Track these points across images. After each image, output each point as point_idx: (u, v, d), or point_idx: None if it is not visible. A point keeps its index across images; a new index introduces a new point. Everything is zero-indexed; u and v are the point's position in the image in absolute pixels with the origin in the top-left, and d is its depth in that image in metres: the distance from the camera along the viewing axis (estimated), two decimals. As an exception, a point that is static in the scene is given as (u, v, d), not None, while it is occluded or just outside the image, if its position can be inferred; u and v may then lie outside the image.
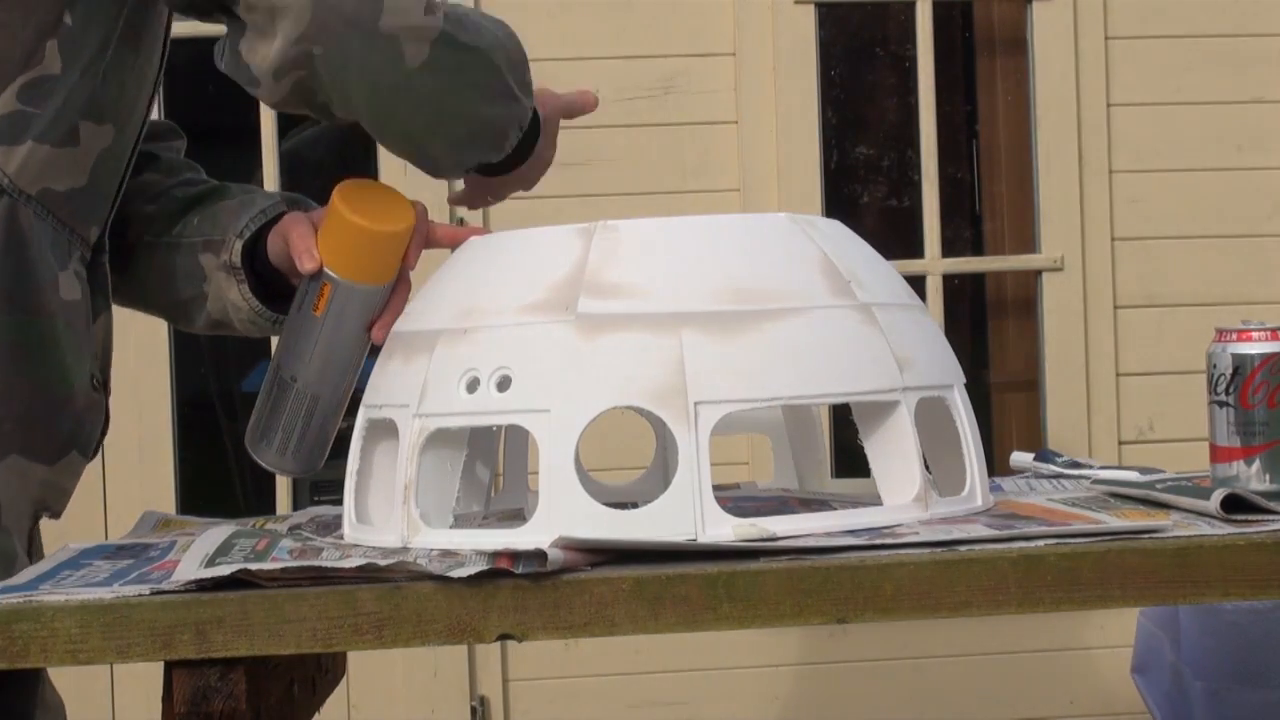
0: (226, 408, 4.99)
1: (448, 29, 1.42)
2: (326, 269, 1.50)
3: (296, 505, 3.33)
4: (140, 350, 3.25)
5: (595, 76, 3.35)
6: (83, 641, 1.18)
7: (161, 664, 1.22)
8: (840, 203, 4.42)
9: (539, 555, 1.20)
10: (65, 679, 1.71)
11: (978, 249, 4.09)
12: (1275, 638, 2.82)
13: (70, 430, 1.51)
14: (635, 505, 1.33)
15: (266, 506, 3.33)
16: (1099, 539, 1.25)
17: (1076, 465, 1.69)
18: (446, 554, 1.28)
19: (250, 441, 1.55)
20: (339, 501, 1.47)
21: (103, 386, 1.55)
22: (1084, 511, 1.39)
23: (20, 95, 1.45)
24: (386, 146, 1.51)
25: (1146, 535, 1.27)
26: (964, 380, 1.47)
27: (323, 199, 1.56)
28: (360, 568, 1.20)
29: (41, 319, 1.47)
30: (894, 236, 4.65)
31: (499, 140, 1.52)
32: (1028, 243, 3.60)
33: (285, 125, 3.34)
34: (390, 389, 1.40)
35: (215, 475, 4.81)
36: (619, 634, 1.20)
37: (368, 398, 1.44)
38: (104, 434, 1.62)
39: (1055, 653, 3.43)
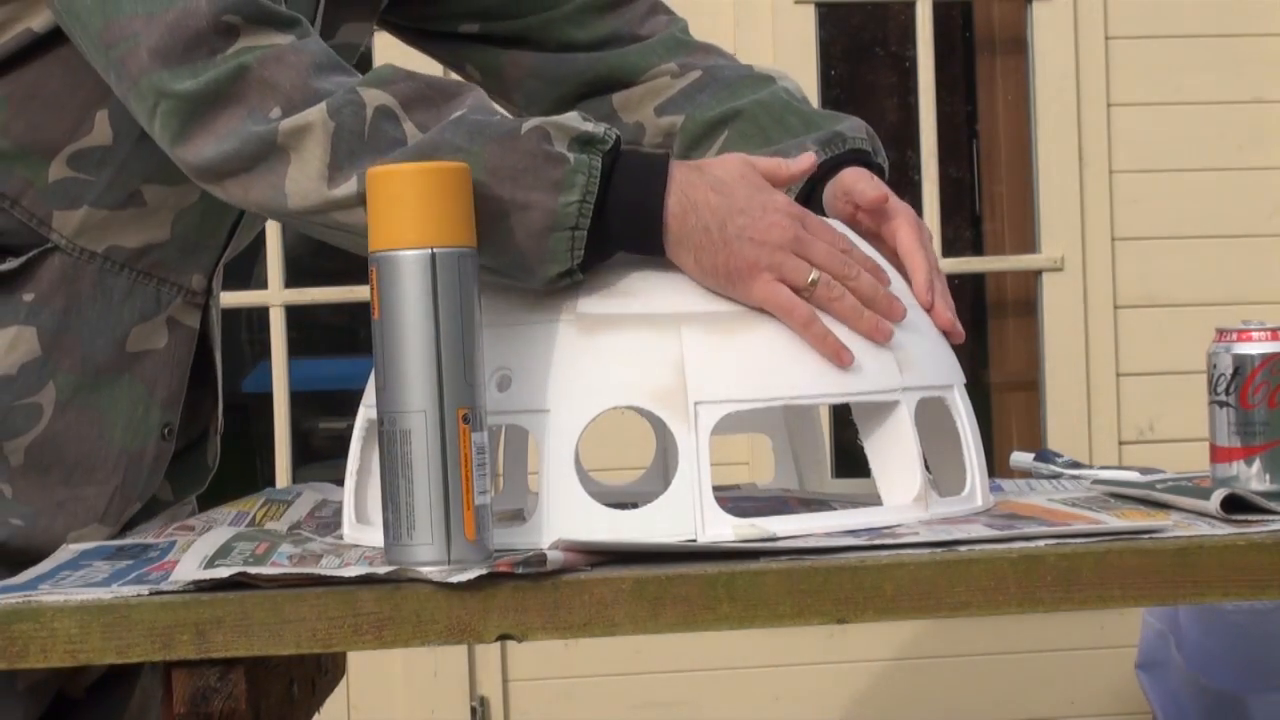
0: (228, 407, 4.98)
1: (362, 188, 1.26)
2: None
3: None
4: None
5: (595, 76, 3.36)
6: (82, 641, 1.18)
7: (161, 664, 1.22)
8: (840, 203, 4.42)
9: (539, 559, 1.19)
10: (65, 679, 1.71)
11: (978, 249, 4.09)
12: (1275, 638, 2.82)
13: (143, 486, 1.53)
14: (635, 505, 1.33)
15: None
16: (1099, 539, 1.25)
17: (1076, 465, 1.69)
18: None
19: None
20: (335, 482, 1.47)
21: (173, 435, 1.55)
22: (1084, 511, 1.39)
23: (71, 162, 1.44)
24: None
25: (1146, 535, 1.26)
26: (964, 380, 1.46)
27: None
28: (358, 577, 1.20)
29: (89, 376, 1.47)
30: (894, 236, 4.65)
31: (524, 259, 1.29)
32: (1028, 243, 3.60)
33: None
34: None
35: (216, 476, 4.80)
36: (619, 634, 1.20)
37: (367, 398, 1.44)
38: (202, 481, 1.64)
39: (1055, 653, 3.43)
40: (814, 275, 1.32)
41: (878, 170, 1.57)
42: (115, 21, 1.32)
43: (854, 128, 1.58)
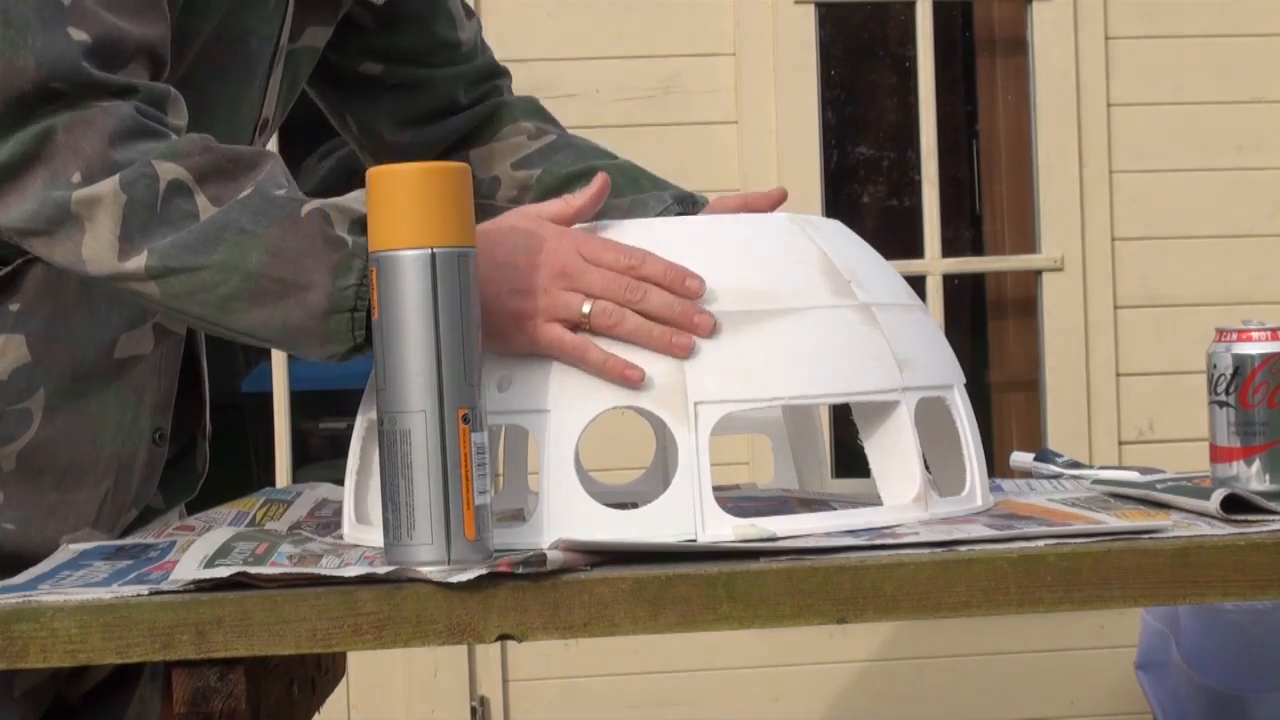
0: (229, 407, 4.99)
1: (154, 263, 1.28)
2: None
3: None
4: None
5: (595, 76, 3.36)
6: (82, 642, 1.18)
7: (161, 664, 1.22)
8: (840, 203, 4.42)
9: (539, 559, 1.19)
10: (65, 679, 1.71)
11: (978, 249, 4.09)
12: (1275, 638, 2.82)
13: (135, 492, 1.53)
14: (635, 505, 1.33)
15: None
16: (1099, 539, 1.25)
17: (1076, 465, 1.69)
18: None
19: None
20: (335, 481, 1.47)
21: (165, 440, 1.55)
22: (1084, 511, 1.39)
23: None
24: None
25: (1146, 535, 1.26)
26: (964, 380, 1.47)
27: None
28: (358, 577, 1.20)
29: (78, 382, 1.47)
30: (894, 236, 4.65)
31: (308, 337, 1.30)
32: (1028, 243, 3.60)
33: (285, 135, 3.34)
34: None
35: (215, 476, 4.80)
36: (619, 634, 1.20)
37: (367, 398, 1.44)
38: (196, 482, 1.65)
39: (1055, 653, 3.43)
40: (588, 307, 1.30)
41: None
42: None
43: (705, 198, 1.65)
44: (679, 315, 1.31)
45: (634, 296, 1.31)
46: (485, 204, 1.73)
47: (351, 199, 1.30)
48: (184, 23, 1.44)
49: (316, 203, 1.30)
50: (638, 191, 1.65)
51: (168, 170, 1.29)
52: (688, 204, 1.64)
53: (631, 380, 1.29)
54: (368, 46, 1.72)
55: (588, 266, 1.31)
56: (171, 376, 1.54)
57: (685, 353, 1.30)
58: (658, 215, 1.62)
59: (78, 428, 1.49)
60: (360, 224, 1.28)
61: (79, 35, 1.30)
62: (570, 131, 1.81)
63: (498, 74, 1.81)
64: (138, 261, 1.28)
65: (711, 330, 1.31)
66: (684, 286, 1.32)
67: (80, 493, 1.49)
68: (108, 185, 1.28)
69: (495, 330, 1.30)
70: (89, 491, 1.50)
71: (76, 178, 1.29)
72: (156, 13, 1.37)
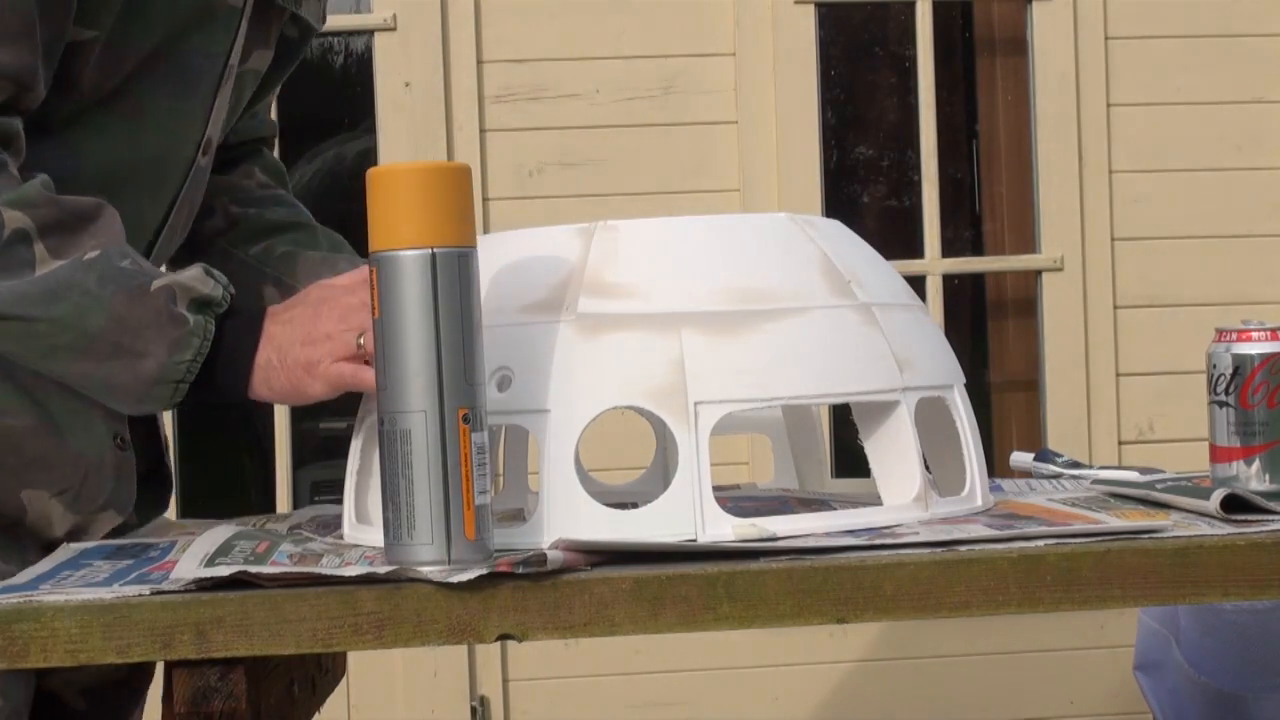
0: (230, 406, 4.99)
1: None
2: None
3: (297, 506, 3.33)
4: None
5: (595, 76, 3.36)
6: (83, 641, 1.18)
7: (161, 664, 1.22)
8: (840, 203, 4.42)
9: (539, 559, 1.19)
10: (65, 679, 1.71)
11: (978, 249, 4.09)
12: (1275, 638, 2.82)
13: (109, 493, 1.53)
14: (635, 505, 1.33)
15: (267, 506, 3.34)
16: (1099, 539, 1.25)
17: (1076, 465, 1.69)
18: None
19: None
20: (338, 501, 1.47)
21: (128, 444, 1.55)
22: (1084, 511, 1.39)
23: None
24: None
25: (1146, 535, 1.27)
26: (964, 380, 1.47)
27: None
28: (359, 577, 1.20)
29: (39, 392, 1.48)
30: (894, 236, 4.65)
31: (125, 395, 1.39)
32: (1028, 243, 3.60)
33: (284, 135, 3.34)
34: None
35: (216, 476, 4.81)
36: (619, 634, 1.20)
37: (367, 398, 1.44)
38: (163, 491, 1.65)
39: (1055, 653, 3.43)
40: (359, 338, 1.37)
41: None
42: None
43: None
44: None
45: None
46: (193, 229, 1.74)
47: (194, 279, 1.37)
48: (121, 36, 1.46)
49: (164, 279, 1.36)
50: (340, 250, 1.71)
51: (14, 219, 1.34)
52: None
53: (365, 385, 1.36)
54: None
55: (362, 304, 1.38)
56: None
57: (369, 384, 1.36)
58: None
59: (44, 426, 1.49)
60: (199, 303, 1.37)
61: None
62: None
63: (270, 133, 1.84)
64: None
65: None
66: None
67: (48, 487, 1.49)
68: None
69: (289, 388, 1.39)
70: (57, 486, 1.50)
71: None
72: (25, 41, 1.39)
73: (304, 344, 1.39)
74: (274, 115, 1.82)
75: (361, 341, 1.37)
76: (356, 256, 1.69)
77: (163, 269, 1.51)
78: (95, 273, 1.35)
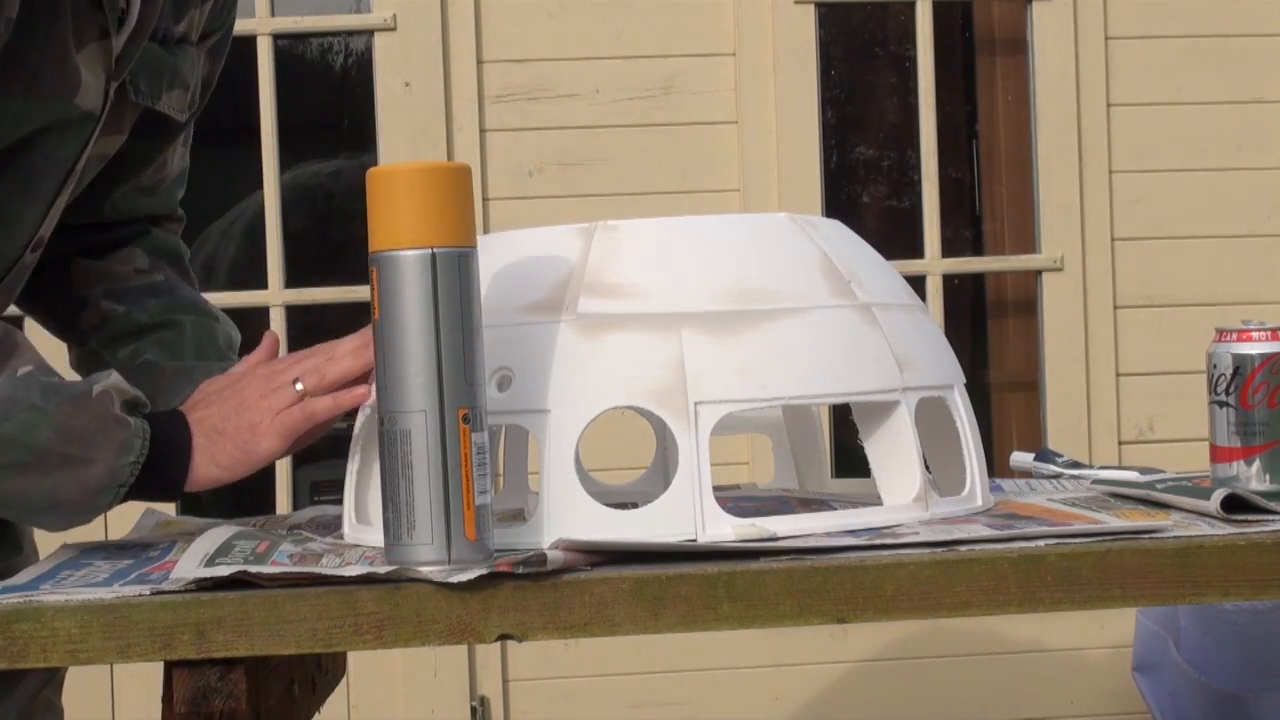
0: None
1: None
2: None
3: (297, 506, 3.33)
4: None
5: (595, 76, 3.36)
6: (83, 641, 1.18)
7: (161, 664, 1.22)
8: (840, 203, 4.42)
9: (539, 559, 1.19)
10: (66, 679, 1.71)
11: (978, 249, 4.09)
12: (1275, 638, 2.82)
13: None
14: (635, 505, 1.33)
15: (267, 507, 3.33)
16: (1099, 539, 1.25)
17: (1076, 465, 1.69)
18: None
19: None
20: (338, 502, 1.47)
21: None
22: (1084, 511, 1.39)
23: None
24: None
25: (1146, 535, 1.26)
26: (964, 380, 1.47)
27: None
28: (359, 577, 1.20)
29: None
30: (894, 236, 4.65)
31: (68, 508, 1.37)
32: (1028, 243, 3.60)
33: (284, 136, 3.35)
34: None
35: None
36: (619, 634, 1.20)
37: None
38: None
39: (1055, 653, 3.43)
40: (298, 384, 1.42)
41: None
42: None
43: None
44: (365, 342, 1.42)
45: (323, 361, 1.43)
46: (60, 314, 1.71)
47: (121, 381, 1.38)
48: None
49: (101, 384, 1.37)
50: (208, 355, 1.68)
51: None
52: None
53: (362, 398, 1.41)
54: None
55: (283, 362, 1.44)
56: None
57: (359, 400, 1.42)
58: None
59: None
60: (130, 404, 1.37)
61: None
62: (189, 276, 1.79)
63: (167, 217, 1.78)
64: None
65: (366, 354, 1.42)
66: (361, 354, 1.43)
67: None
68: None
69: (237, 457, 1.41)
70: None
71: None
72: None
73: (239, 412, 1.41)
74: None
75: (299, 385, 1.41)
76: (218, 364, 1.64)
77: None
78: (35, 387, 1.34)
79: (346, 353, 1.43)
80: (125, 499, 1.40)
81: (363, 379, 1.43)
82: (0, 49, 1.40)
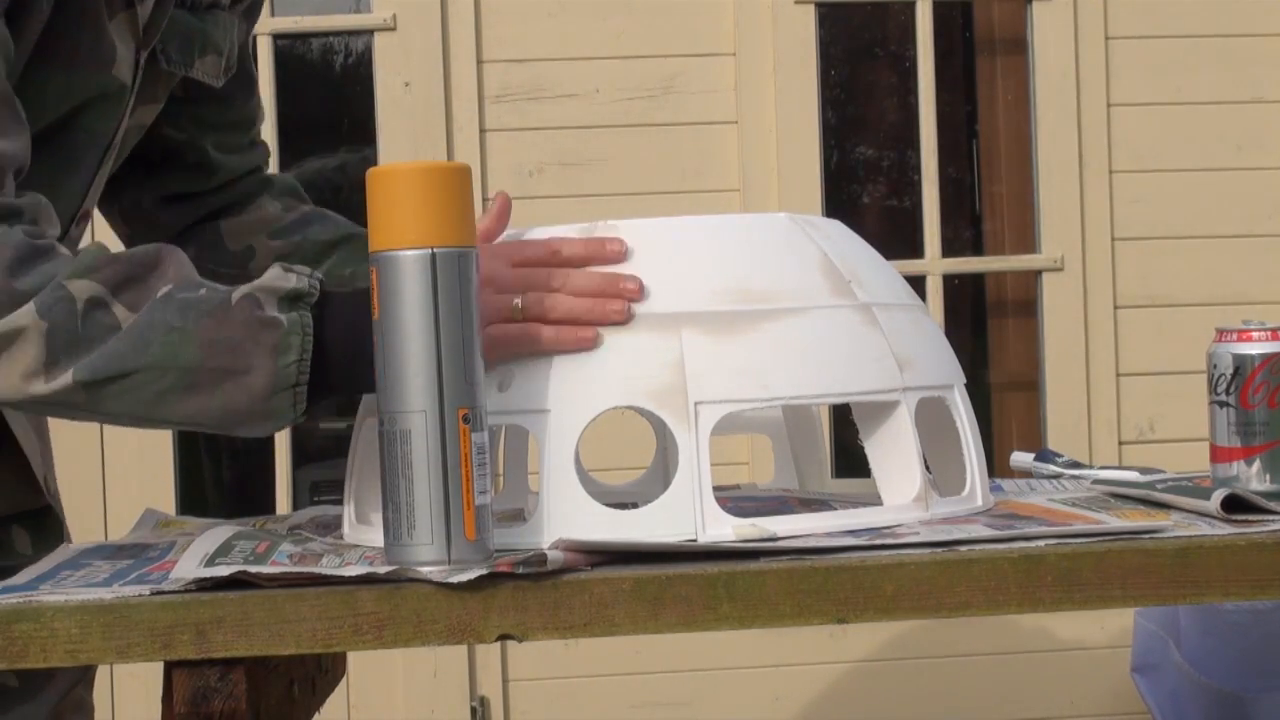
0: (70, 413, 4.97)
1: (82, 378, 1.29)
2: None
3: (297, 506, 3.33)
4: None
5: (595, 76, 3.36)
6: (83, 642, 1.18)
7: (161, 664, 1.22)
8: (840, 203, 4.42)
9: (539, 559, 1.19)
10: (65, 679, 1.71)
11: (978, 249, 4.09)
12: (1275, 638, 2.82)
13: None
14: (635, 505, 1.33)
15: (267, 507, 3.34)
16: (1099, 539, 1.25)
17: (1076, 465, 1.69)
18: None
19: None
20: (338, 502, 1.47)
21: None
22: (1084, 511, 1.39)
23: None
24: None
25: (1146, 535, 1.26)
26: (964, 380, 1.47)
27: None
28: (359, 577, 1.20)
29: None
30: (894, 236, 4.65)
31: (250, 418, 1.32)
32: (1028, 243, 3.60)
33: (284, 136, 3.35)
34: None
35: (216, 475, 4.81)
36: (619, 634, 1.20)
37: (367, 398, 1.44)
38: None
39: (1055, 653, 3.43)
40: (516, 301, 1.34)
41: None
42: None
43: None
44: (605, 286, 1.35)
45: (556, 283, 1.35)
46: (236, 274, 1.70)
47: (273, 278, 1.31)
48: (25, 102, 1.43)
49: (243, 289, 1.31)
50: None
51: (81, 288, 1.30)
52: None
53: (586, 342, 1.33)
54: (177, 112, 1.70)
55: (509, 269, 1.36)
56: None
57: (620, 317, 1.34)
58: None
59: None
60: (289, 299, 1.30)
61: None
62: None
63: (265, 158, 1.82)
64: (62, 380, 1.29)
65: (639, 292, 1.35)
66: (605, 253, 1.36)
67: None
68: (25, 315, 1.29)
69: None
70: None
71: None
72: (18, 124, 1.38)
73: None
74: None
75: (519, 304, 1.34)
76: None
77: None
78: (173, 306, 1.29)
79: (578, 289, 1.35)
80: (324, 396, 1.33)
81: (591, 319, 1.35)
82: (44, 21, 1.41)
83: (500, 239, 1.43)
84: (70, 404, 1.31)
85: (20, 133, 1.37)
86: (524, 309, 1.33)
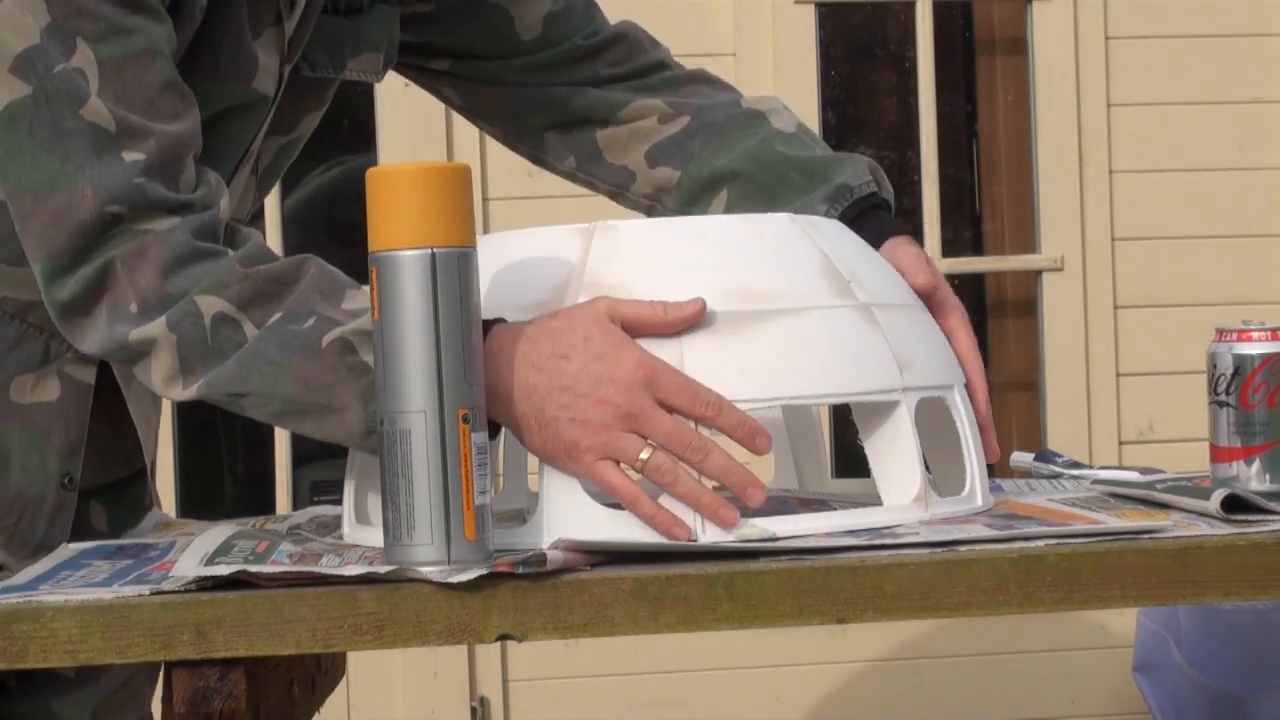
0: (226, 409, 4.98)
1: (206, 392, 1.32)
2: None
3: (296, 506, 3.33)
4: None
5: (595, 76, 3.35)
6: (82, 642, 1.18)
7: (161, 664, 1.22)
8: (840, 203, 4.41)
9: (539, 559, 1.19)
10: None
11: (978, 249, 4.09)
12: (1275, 638, 2.82)
13: (43, 533, 1.52)
14: (635, 505, 1.33)
15: (267, 507, 3.34)
16: (1099, 539, 1.25)
17: (1076, 465, 1.69)
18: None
19: None
20: (338, 502, 1.47)
21: (75, 484, 1.54)
22: (1084, 511, 1.39)
23: None
24: None
25: (1146, 535, 1.26)
26: (964, 380, 1.47)
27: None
28: (359, 577, 1.20)
29: None
30: (894, 236, 4.64)
31: (355, 445, 1.33)
32: (1028, 243, 3.60)
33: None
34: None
35: (216, 476, 4.81)
36: (619, 634, 1.20)
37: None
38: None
39: (1055, 653, 3.43)
40: (645, 454, 1.25)
41: (886, 205, 1.59)
42: (13, 192, 1.36)
43: (858, 173, 1.58)
44: (735, 483, 1.28)
45: (695, 457, 1.27)
46: (617, 193, 1.71)
47: (365, 323, 1.28)
48: None
49: (337, 332, 1.29)
50: (789, 193, 1.58)
51: (210, 305, 1.31)
52: (840, 199, 1.56)
53: (678, 536, 1.26)
54: (425, 49, 1.71)
55: (656, 412, 1.26)
56: (80, 422, 1.53)
57: (732, 524, 1.27)
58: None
59: None
60: None
61: (132, 156, 1.33)
62: (704, 82, 1.72)
63: (599, 50, 1.72)
64: (196, 389, 1.33)
65: (762, 500, 1.28)
66: (753, 444, 1.28)
67: None
68: (157, 327, 1.32)
69: (546, 452, 1.28)
70: None
71: (134, 309, 1.32)
72: (189, 104, 1.39)
73: (570, 416, 1.26)
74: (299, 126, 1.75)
75: (645, 458, 1.25)
76: (812, 193, 1.55)
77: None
78: (275, 338, 1.30)
79: (712, 471, 1.27)
80: None
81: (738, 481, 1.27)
82: (194, 29, 1.43)
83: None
84: (220, 405, 1.34)
85: (191, 114, 1.39)
86: (646, 468, 1.26)
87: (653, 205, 1.70)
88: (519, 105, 1.72)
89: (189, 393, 1.33)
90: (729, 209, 1.63)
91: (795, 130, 1.66)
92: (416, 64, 1.73)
